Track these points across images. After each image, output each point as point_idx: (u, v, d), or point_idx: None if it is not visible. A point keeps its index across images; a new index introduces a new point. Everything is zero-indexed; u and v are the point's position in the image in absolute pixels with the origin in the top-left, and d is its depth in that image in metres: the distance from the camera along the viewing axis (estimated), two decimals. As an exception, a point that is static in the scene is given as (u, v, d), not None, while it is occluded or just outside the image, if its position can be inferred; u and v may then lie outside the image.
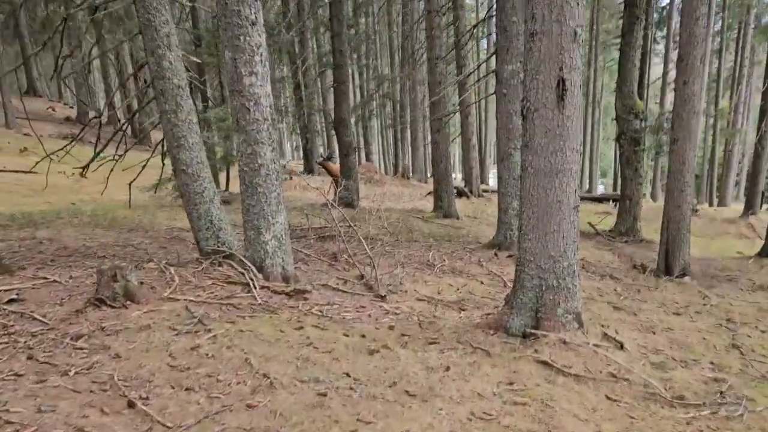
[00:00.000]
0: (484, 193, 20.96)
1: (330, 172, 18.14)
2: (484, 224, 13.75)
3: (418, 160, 28.43)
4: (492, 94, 24.07)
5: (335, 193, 14.74)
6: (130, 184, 7.07)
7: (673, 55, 23.13)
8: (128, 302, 4.77)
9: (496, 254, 8.49)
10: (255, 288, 5.59)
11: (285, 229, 6.05)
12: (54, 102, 33.46)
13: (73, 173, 9.22)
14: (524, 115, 4.31)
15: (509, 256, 8.32)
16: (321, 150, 32.09)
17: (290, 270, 6.15)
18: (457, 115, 19.07)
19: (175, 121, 6.10)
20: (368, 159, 33.73)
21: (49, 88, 36.92)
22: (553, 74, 4.04)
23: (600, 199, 23.83)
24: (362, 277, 6.95)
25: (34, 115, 27.06)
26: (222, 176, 17.05)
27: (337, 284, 6.57)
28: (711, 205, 28.76)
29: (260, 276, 5.84)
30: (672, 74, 23.23)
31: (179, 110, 6.10)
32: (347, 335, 4.73)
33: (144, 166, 6.86)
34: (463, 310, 6.03)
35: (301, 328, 4.72)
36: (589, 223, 12.97)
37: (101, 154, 9.47)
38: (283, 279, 6.04)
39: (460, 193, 18.10)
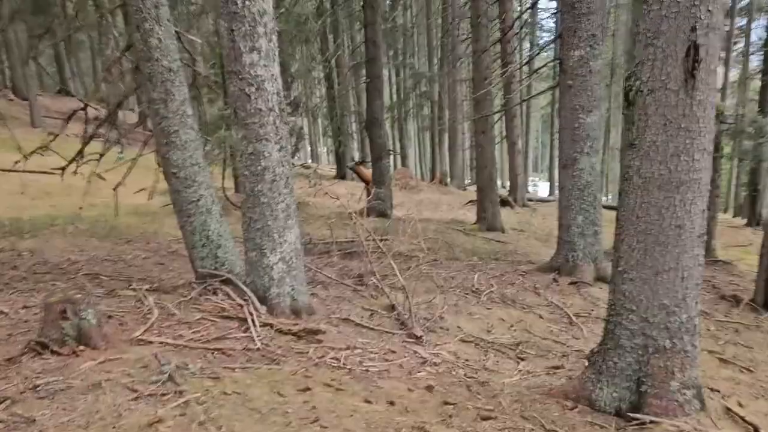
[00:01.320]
0: (529, 203, 19.51)
1: (362, 178, 17.00)
2: (533, 239, 12.35)
3: (457, 166, 27.03)
4: (535, 95, 22.53)
5: (367, 201, 13.59)
6: (115, 189, 6.01)
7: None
8: (81, 347, 3.65)
9: (555, 280, 7.14)
10: (254, 326, 4.43)
11: (297, 249, 4.88)
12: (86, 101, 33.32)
13: (90, 175, 8.30)
14: (629, 100, 3.01)
15: (573, 284, 6.97)
16: (356, 154, 31.09)
17: (302, 300, 4.96)
18: (500, 117, 17.71)
19: (165, 113, 5.00)
20: (404, 164, 32.52)
21: (84, 87, 37.07)
22: (680, 37, 2.74)
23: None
24: (393, 308, 5.72)
25: (63, 114, 26.84)
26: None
27: (362, 318, 5.36)
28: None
29: (263, 309, 4.67)
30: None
31: (170, 99, 5.00)
32: (369, 401, 3.49)
33: (131, 167, 5.79)
34: (522, 359, 4.73)
35: (308, 389, 3.50)
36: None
37: (121, 155, 8.53)
38: (293, 312, 4.86)
39: (504, 203, 16.69)
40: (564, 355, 4.82)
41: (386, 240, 9.17)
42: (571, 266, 7.16)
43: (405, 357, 4.50)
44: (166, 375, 3.41)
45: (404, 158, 32.91)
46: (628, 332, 3.21)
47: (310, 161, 34.60)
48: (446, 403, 3.56)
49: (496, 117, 12.65)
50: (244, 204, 4.66)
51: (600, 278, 7.18)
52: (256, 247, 4.67)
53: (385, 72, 30.27)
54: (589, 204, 7.01)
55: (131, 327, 4.18)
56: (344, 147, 23.28)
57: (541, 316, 6.03)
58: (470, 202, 17.95)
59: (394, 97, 27.62)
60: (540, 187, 41.38)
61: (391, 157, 40.64)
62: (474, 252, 9.65)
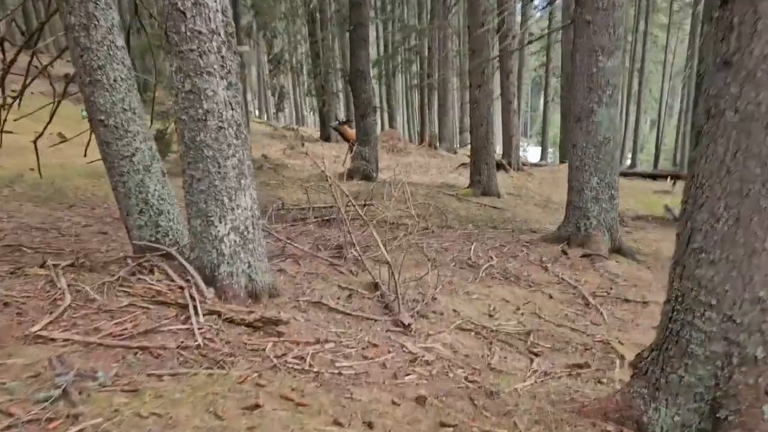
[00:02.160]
0: (524, 167, 18.55)
1: (346, 138, 15.95)
2: (531, 204, 11.44)
3: (447, 128, 25.95)
4: (537, 38, 21.31)
5: (351, 162, 12.56)
6: (35, 141, 4.95)
7: None
8: (-52, 351, 2.69)
9: (564, 252, 6.24)
10: (196, 314, 3.48)
11: (254, 216, 3.89)
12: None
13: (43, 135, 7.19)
14: (727, -3, 2.02)
15: (585, 256, 6.07)
16: (341, 115, 29.87)
17: (262, 280, 4.00)
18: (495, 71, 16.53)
19: (86, 43, 3.94)
20: (391, 126, 31.33)
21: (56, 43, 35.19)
22: None
23: (654, 176, 21.18)
24: (376, 286, 4.80)
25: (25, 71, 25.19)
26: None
27: (338, 301, 4.43)
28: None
29: (210, 292, 3.71)
30: None
31: (92, 26, 3.93)
32: (340, 423, 2.59)
33: (52, 115, 4.72)
34: (535, 354, 3.84)
35: (257, 407, 2.58)
36: (666, 206, 10.59)
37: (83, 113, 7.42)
38: (250, 296, 3.91)
39: (498, 166, 15.71)
40: (586, 349, 3.94)
41: (370, 205, 8.21)
42: (583, 236, 6.26)
43: (390, 353, 3.59)
44: (60, 389, 2.46)
45: (392, 119, 31.71)
46: (702, 335, 2.30)
47: (294, 123, 33.29)
48: (443, 425, 2.66)
49: (492, 70, 11.56)
50: (183, 158, 3.65)
51: (616, 250, 6.31)
52: (201, 214, 3.69)
53: (372, 32, 28.80)
54: (605, 164, 6.08)
55: (32, 318, 3.22)
56: (328, 106, 22.06)
57: (551, 296, 5.14)
58: (462, 165, 16.98)
59: (382, 52, 26.22)
60: (530, 152, 40.46)
61: (379, 117, 39.44)
62: (469, 219, 8.72)
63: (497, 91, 18.61)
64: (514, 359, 3.73)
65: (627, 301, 5.09)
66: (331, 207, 7.85)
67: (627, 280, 5.59)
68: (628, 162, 35.68)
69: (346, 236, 5.57)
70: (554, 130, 40.41)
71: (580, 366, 3.59)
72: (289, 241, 5.67)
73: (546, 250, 6.43)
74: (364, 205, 8.07)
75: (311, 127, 35.83)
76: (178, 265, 3.92)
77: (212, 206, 3.65)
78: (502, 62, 15.46)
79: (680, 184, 19.61)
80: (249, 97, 40.40)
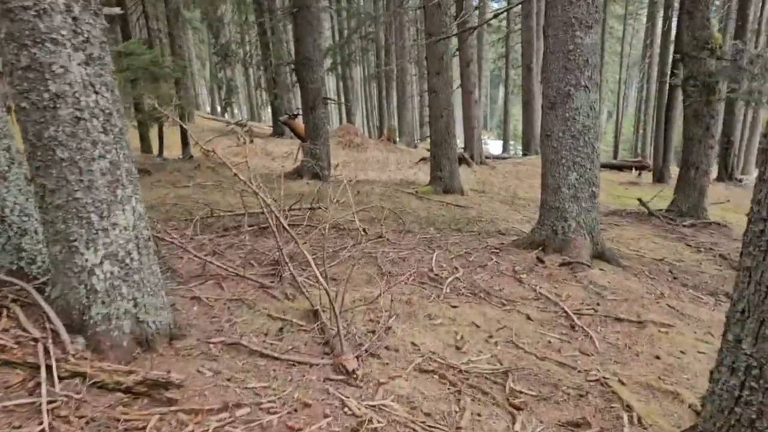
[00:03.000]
0: (487, 160, 17.87)
1: (296, 133, 14.98)
2: (497, 201, 10.68)
3: (407, 121, 25.14)
4: (499, 12, 20.62)
5: (300, 161, 11.55)
6: None
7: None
8: None
9: (539, 259, 5.43)
10: (53, 379, 2.51)
11: (138, 237, 2.91)
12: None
13: None
14: None
15: (565, 264, 5.27)
16: (295, 108, 28.73)
17: (156, 321, 3.03)
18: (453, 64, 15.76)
19: None
20: (349, 120, 30.33)
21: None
22: None
23: (620, 167, 20.84)
24: (316, 314, 3.88)
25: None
26: (154, 135, 13.74)
27: (264, 339, 3.49)
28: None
29: (79, 342, 2.73)
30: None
31: None
32: None
33: None
34: (517, 407, 2.98)
35: None
36: (639, 200, 9.96)
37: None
38: (138, 344, 2.95)
39: (461, 160, 14.96)
40: (581, 395, 3.11)
41: (317, 209, 7.28)
42: (560, 240, 5.46)
43: (326, 417, 2.69)
44: None
45: (350, 114, 30.72)
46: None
47: (246, 118, 31.86)
48: None
49: (450, 57, 10.72)
50: (29, 162, 2.65)
51: (598, 255, 5.53)
52: (60, 238, 2.69)
53: (327, 22, 27.67)
54: (585, 157, 5.29)
55: None
56: (281, 100, 20.91)
57: (529, 317, 4.31)
58: (422, 160, 16.17)
59: (337, 41, 25.15)
60: (491, 145, 40.01)
61: (336, 112, 38.17)
62: (430, 221, 7.86)
63: (457, 82, 17.89)
64: (491, 416, 2.87)
65: (619, 320, 4.29)
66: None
67: (615, 293, 4.81)
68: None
69: (280, 250, 4.61)
70: (515, 123, 40.17)
71: (577, 425, 2.75)
72: (209, 260, 4.68)
73: (519, 258, 5.61)
74: (310, 209, 7.13)
75: (265, 122, 34.47)
76: (32, 307, 2.91)
77: (75, 227, 2.66)
78: (462, 50, 14.68)
79: (646, 176, 19.34)
80: (203, 91, 38.82)
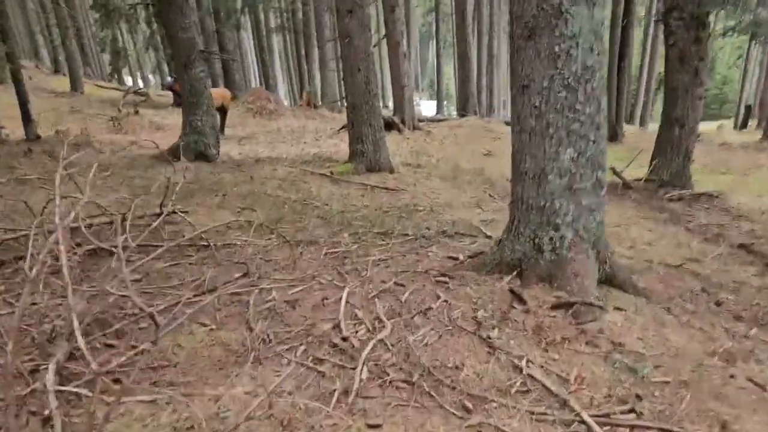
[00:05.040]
0: (420, 123, 15.60)
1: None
2: (436, 178, 8.52)
3: (330, 83, 22.51)
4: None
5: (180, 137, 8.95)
6: None
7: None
8: None
9: (516, 295, 3.27)
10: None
11: None
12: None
13: None
14: None
15: (562, 306, 3.13)
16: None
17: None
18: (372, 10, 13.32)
19: None
20: (267, 84, 27.32)
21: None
22: None
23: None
24: None
25: None
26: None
27: None
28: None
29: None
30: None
31: None
32: None
33: None
34: None
35: None
36: (613, 170, 8.04)
37: None
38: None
39: (389, 125, 12.70)
40: None
41: (180, 213, 4.93)
42: (548, 262, 3.33)
43: None
44: None
45: (267, 77, 27.69)
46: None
47: (141, 86, 28.11)
48: None
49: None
50: None
51: (607, 280, 3.45)
52: None
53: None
54: (587, 120, 3.13)
55: None
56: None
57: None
58: (344, 128, 13.78)
59: None
60: (423, 107, 37.79)
61: (254, 74, 34.83)
62: (345, 219, 5.59)
63: (381, 33, 15.50)
64: None
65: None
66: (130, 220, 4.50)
67: (660, 365, 2.75)
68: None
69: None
70: (447, 82, 38.11)
71: None
72: None
73: (480, 292, 3.46)
74: (162, 214, 4.72)
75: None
76: None
77: None
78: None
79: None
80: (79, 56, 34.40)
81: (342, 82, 7.74)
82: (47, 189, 6.27)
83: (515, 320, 3.11)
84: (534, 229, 3.38)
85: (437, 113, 29.59)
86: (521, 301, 3.25)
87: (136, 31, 26.24)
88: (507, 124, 18.87)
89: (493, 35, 26.44)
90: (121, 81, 28.90)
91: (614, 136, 14.90)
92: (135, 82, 33.14)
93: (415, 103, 17.09)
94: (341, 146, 11.06)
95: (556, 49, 3.00)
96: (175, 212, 4.85)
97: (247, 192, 6.38)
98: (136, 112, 14.32)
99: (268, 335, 3.07)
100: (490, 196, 7.70)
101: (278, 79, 38.55)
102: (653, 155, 8.16)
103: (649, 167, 8.14)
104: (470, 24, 18.20)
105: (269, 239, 4.73)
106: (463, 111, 19.57)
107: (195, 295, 3.42)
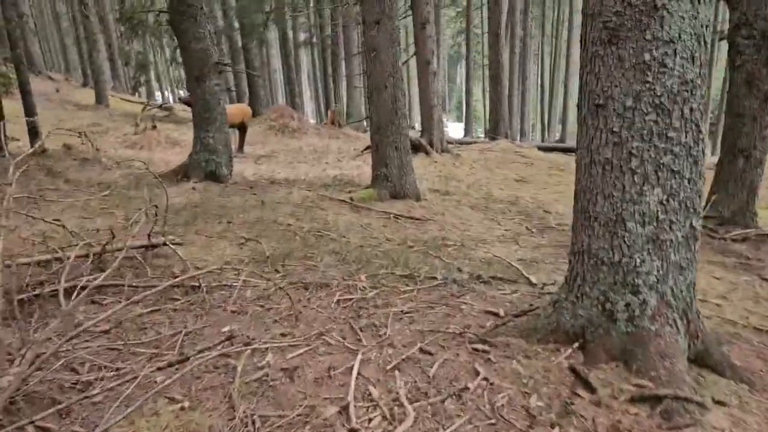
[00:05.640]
0: (449, 146, 14.85)
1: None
2: (467, 207, 7.77)
3: (356, 101, 22.01)
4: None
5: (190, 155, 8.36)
6: None
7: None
8: None
9: (580, 378, 2.51)
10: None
11: None
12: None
13: None
14: None
15: (645, 400, 2.34)
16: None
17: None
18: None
19: None
20: (293, 102, 26.97)
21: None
22: None
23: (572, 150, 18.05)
24: None
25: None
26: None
27: None
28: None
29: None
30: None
31: None
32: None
33: None
34: None
35: None
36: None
37: None
38: None
39: (416, 147, 12.02)
40: None
41: (171, 246, 4.27)
42: (622, 335, 2.55)
43: None
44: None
45: (293, 94, 27.36)
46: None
47: (170, 102, 27.99)
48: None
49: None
50: None
51: (698, 358, 2.66)
52: None
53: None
54: (682, 151, 2.38)
55: None
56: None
57: None
58: (368, 148, 13.14)
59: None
60: (450, 128, 37.12)
61: (281, 91, 34.54)
62: (363, 255, 4.85)
63: (409, 51, 14.89)
64: None
65: None
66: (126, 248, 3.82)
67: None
68: (558, 136, 33.09)
69: None
70: (474, 103, 37.35)
71: None
72: None
73: (532, 369, 2.70)
74: (149, 247, 4.07)
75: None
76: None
77: None
78: (416, 6, 11.69)
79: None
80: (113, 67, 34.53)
81: (367, 99, 7.18)
82: (39, 206, 5.66)
83: (581, 415, 2.34)
84: (604, 291, 2.61)
85: (465, 135, 28.89)
86: (588, 386, 2.47)
87: (162, 44, 26.15)
88: (539, 149, 18.07)
89: (527, 56, 25.77)
90: (150, 95, 28.87)
91: (656, 165, 13.98)
92: (162, 96, 33.18)
93: (443, 124, 16.40)
94: (364, 168, 10.39)
95: (647, 57, 2.26)
96: (166, 244, 4.18)
97: (255, 219, 5.71)
98: (154, 127, 13.88)
99: (254, 421, 2.35)
100: (527, 229, 6.93)
101: (305, 97, 38.34)
102: (712, 189, 7.29)
103: (708, 202, 7.28)
104: (504, 44, 17.53)
105: (275, 276, 4.03)
106: (493, 134, 18.83)
107: (159, 368, 2.70)
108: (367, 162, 11.28)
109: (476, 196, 8.59)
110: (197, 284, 3.71)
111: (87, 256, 3.82)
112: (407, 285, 4.10)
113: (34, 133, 8.74)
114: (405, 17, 13.94)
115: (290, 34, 25.80)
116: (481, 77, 40.91)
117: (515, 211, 7.95)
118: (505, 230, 6.77)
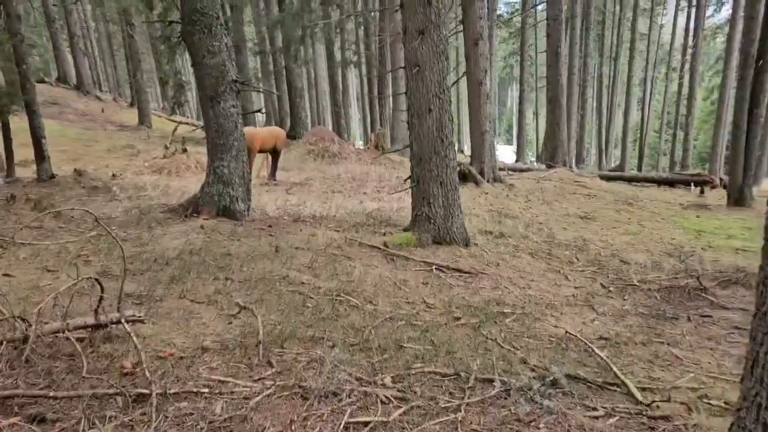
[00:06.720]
0: (500, 173, 13.53)
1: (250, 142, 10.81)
2: (526, 254, 6.47)
3: (400, 125, 20.93)
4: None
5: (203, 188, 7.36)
6: None
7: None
8: None
9: None
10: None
11: None
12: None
13: None
14: None
15: None
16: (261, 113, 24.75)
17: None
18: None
19: None
20: (338, 125, 26.19)
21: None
22: None
23: (671, 182, 16.49)
24: None
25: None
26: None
27: None
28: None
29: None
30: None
31: None
32: None
33: None
34: None
35: None
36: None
37: None
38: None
39: (464, 176, 10.77)
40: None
41: (126, 324, 3.14)
42: None
43: None
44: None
45: (338, 116, 26.59)
46: None
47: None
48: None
49: (442, 17, 6.61)
50: None
51: None
52: None
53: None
54: None
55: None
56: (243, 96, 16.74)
57: None
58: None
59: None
60: (500, 153, 35.61)
61: (329, 112, 33.86)
62: (392, 336, 3.64)
63: (459, 71, 13.71)
64: None
65: None
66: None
67: None
68: (615, 162, 31.18)
69: None
70: (527, 127, 35.85)
71: None
72: None
73: None
74: (100, 328, 2.97)
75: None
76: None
77: None
78: (467, 20, 10.55)
79: (710, 194, 15.04)
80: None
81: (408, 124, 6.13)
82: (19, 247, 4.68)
83: None
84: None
85: (517, 160, 27.44)
86: None
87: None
88: (602, 178, 16.58)
89: (586, 78, 24.24)
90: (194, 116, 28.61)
91: (740, 200, 12.34)
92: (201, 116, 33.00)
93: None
94: (405, 201, 9.20)
95: None
96: (120, 322, 3.07)
97: (261, 275, 4.57)
98: (185, 150, 13.11)
99: None
100: (603, 286, 5.60)
101: (351, 119, 37.55)
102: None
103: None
104: (563, 64, 16.17)
105: (260, 380, 2.86)
106: (551, 160, 17.38)
107: None
108: (408, 193, 10.11)
109: (536, 240, 7.26)
110: (146, 391, 2.58)
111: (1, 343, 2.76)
112: (450, 394, 2.86)
113: (41, 156, 7.94)
114: (454, 34, 12.84)
115: (338, 54, 25.11)
116: (533, 99, 39.46)
117: (585, 259, 6.60)
118: (575, 288, 5.45)
